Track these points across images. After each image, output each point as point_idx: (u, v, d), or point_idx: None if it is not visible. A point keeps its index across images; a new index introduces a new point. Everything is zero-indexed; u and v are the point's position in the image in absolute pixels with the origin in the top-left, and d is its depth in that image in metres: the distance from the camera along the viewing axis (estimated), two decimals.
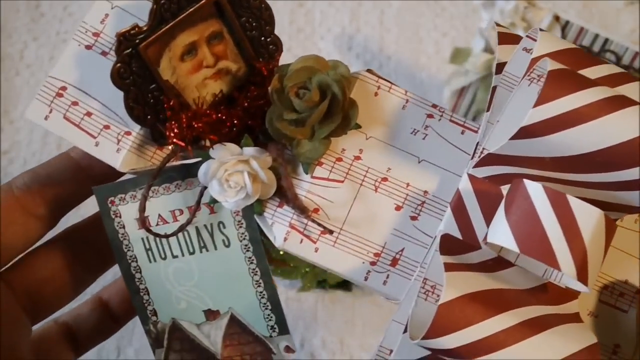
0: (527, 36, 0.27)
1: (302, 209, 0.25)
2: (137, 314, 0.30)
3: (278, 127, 0.26)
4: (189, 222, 0.27)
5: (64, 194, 0.30)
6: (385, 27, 0.60)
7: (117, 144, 0.27)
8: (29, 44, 0.56)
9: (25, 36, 0.56)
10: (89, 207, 0.30)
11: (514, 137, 0.23)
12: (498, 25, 0.29)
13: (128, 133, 0.27)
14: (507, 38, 0.29)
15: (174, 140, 0.25)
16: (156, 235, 0.27)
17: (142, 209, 0.27)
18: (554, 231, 0.22)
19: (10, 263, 0.31)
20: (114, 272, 0.33)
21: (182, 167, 0.28)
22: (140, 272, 0.29)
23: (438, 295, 0.26)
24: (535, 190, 0.23)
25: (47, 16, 0.57)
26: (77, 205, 0.31)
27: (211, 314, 0.29)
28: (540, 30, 0.26)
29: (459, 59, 0.55)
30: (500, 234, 0.23)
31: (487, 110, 0.27)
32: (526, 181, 0.23)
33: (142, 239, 0.29)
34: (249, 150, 0.26)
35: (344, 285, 0.53)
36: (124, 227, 0.29)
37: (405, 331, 0.25)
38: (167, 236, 0.27)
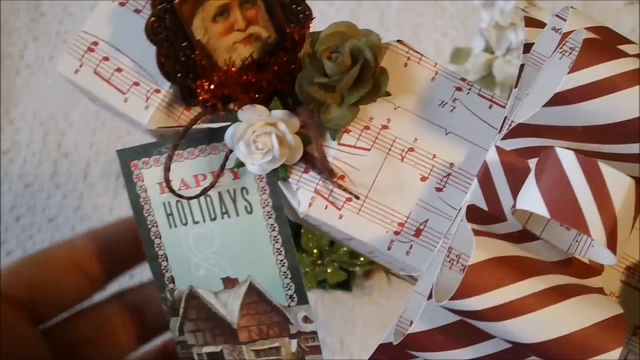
0: (555, 15, 0.28)
1: (330, 172, 0.26)
2: (155, 281, 0.30)
3: (308, 91, 0.26)
4: (212, 185, 0.28)
5: (119, 259, 0.32)
6: (385, 27, 0.61)
7: (145, 101, 0.27)
8: (29, 44, 0.56)
9: (25, 36, 0.57)
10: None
11: (547, 105, 0.23)
12: (523, 10, 0.29)
13: (157, 91, 0.27)
14: (532, 22, 0.29)
15: (205, 97, 0.25)
16: (179, 196, 0.27)
17: (167, 168, 0.27)
18: (585, 197, 0.23)
19: (56, 320, 0.32)
20: None
21: (208, 131, 0.28)
22: (160, 238, 0.29)
23: (462, 265, 0.26)
24: (567, 157, 0.23)
25: (47, 16, 0.57)
26: (130, 270, 0.32)
27: (229, 282, 0.29)
28: (572, 7, 0.26)
29: (459, 59, 0.56)
30: (530, 200, 0.23)
31: (515, 87, 0.28)
32: (558, 148, 0.23)
33: (164, 203, 0.29)
34: (278, 113, 0.26)
35: (344, 285, 0.53)
36: (145, 191, 0.29)
37: (430, 297, 0.25)
38: (189, 198, 0.27)
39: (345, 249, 0.52)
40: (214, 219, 0.29)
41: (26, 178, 0.55)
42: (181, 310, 0.30)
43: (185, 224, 0.29)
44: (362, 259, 0.52)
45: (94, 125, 0.55)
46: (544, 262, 0.25)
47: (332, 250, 0.51)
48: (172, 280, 0.29)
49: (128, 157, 0.29)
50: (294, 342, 0.29)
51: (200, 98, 0.26)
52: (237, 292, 0.29)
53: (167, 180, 0.27)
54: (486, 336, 0.25)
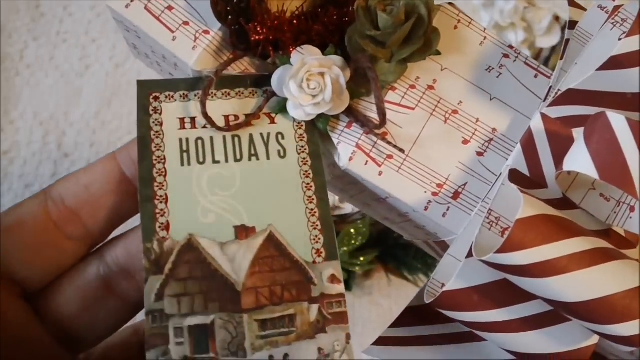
0: None
1: (383, 115, 0.26)
2: (141, 226, 0.25)
3: (359, 43, 0.27)
4: (249, 121, 0.27)
5: (104, 211, 0.27)
6: None
7: (194, 42, 0.27)
8: (29, 44, 0.57)
9: (25, 36, 0.57)
10: None
11: (601, 68, 0.24)
12: None
13: (206, 32, 0.27)
14: (574, 3, 0.30)
15: (257, 38, 0.26)
16: (215, 126, 0.26)
17: (206, 93, 0.26)
18: (635, 161, 0.23)
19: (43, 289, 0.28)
20: None
21: (249, 76, 0.28)
22: (165, 176, 0.26)
23: (502, 227, 0.26)
24: (618, 121, 0.24)
25: (48, 16, 0.58)
26: (122, 223, 0.28)
27: (243, 231, 0.26)
28: None
29: None
30: (579, 161, 0.24)
31: (561, 59, 0.28)
32: (608, 112, 0.24)
33: (181, 139, 0.27)
34: (334, 57, 0.27)
35: (344, 284, 0.53)
36: (160, 125, 0.27)
37: (468, 256, 0.25)
38: (221, 129, 0.27)
39: (345, 248, 0.52)
40: (239, 160, 0.27)
41: (26, 178, 0.55)
42: (168, 267, 0.25)
43: (203, 163, 0.26)
44: (362, 258, 0.52)
45: (94, 125, 0.55)
46: (585, 228, 0.25)
47: None
48: (167, 226, 0.25)
49: (150, 88, 0.27)
50: (315, 307, 0.25)
51: (253, 39, 0.26)
52: (251, 244, 0.25)
53: (204, 104, 0.26)
54: (523, 298, 0.25)
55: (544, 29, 0.52)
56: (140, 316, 0.28)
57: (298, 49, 0.27)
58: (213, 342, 0.25)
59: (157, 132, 0.27)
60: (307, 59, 0.26)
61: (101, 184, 0.27)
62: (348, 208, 0.51)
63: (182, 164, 0.26)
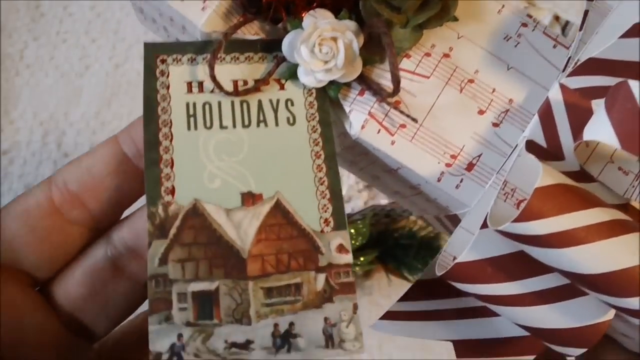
0: None
1: (398, 83, 0.25)
2: (146, 190, 0.25)
3: (374, 7, 0.26)
4: (258, 86, 0.26)
5: (107, 193, 0.27)
6: None
7: (203, 2, 0.26)
8: (29, 44, 0.57)
9: (25, 36, 0.57)
10: None
11: (624, 36, 0.23)
12: None
13: None
14: None
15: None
16: (222, 90, 0.26)
17: (215, 55, 0.26)
18: None
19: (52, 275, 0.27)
20: None
21: (259, 40, 0.27)
22: (171, 140, 0.26)
23: (517, 199, 0.26)
24: None
25: (47, 16, 0.58)
26: (126, 205, 0.28)
27: (250, 198, 0.25)
28: None
29: None
30: (600, 130, 0.23)
31: (580, 30, 0.28)
32: (631, 81, 0.23)
33: (188, 104, 0.26)
34: (347, 22, 0.26)
35: None
36: (167, 88, 0.26)
37: (482, 227, 0.25)
38: (229, 93, 0.26)
39: None
40: (247, 126, 0.26)
41: (26, 178, 0.55)
42: (172, 232, 0.24)
43: (210, 128, 0.26)
44: (362, 258, 0.52)
45: (94, 125, 0.55)
46: (603, 200, 0.25)
47: None
48: (172, 191, 0.25)
49: (157, 50, 0.27)
50: (322, 276, 0.25)
51: (264, 1, 0.25)
52: (257, 211, 0.25)
53: (212, 67, 0.25)
54: (538, 271, 0.25)
55: None
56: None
57: (311, 12, 0.26)
58: (217, 309, 0.24)
59: (163, 95, 0.26)
60: (319, 23, 0.25)
61: (102, 166, 0.27)
62: (348, 208, 0.51)
63: (189, 129, 0.26)
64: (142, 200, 0.27)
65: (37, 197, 0.27)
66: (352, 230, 0.51)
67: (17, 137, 0.55)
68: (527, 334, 0.27)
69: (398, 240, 0.52)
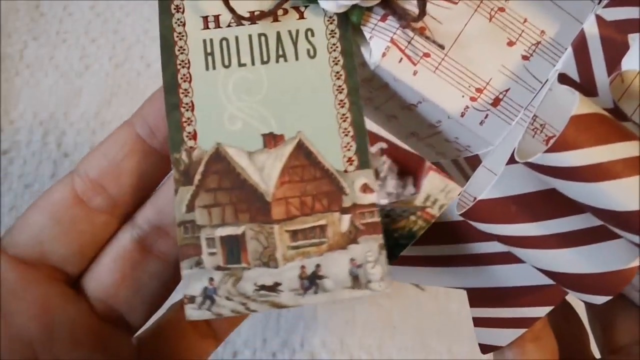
0: None
1: (424, 4, 0.23)
2: (169, 136, 0.25)
3: None
4: (272, 11, 0.25)
5: (126, 176, 0.26)
6: None
7: None
8: (28, 43, 0.57)
9: (25, 36, 0.57)
10: None
11: None
12: None
13: None
14: None
15: None
16: (236, 15, 0.25)
17: None
18: None
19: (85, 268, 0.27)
20: None
21: None
22: (190, 82, 0.25)
23: (547, 135, 0.24)
24: None
25: (47, 16, 0.57)
26: (148, 188, 0.27)
27: (272, 139, 0.25)
28: None
29: None
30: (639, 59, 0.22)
31: None
32: None
33: (205, 40, 0.26)
34: None
35: None
36: (183, 25, 0.26)
37: (509, 163, 0.23)
38: (243, 18, 0.25)
39: None
40: (265, 62, 0.25)
41: (26, 178, 0.54)
42: (197, 177, 0.25)
43: (228, 66, 0.25)
44: None
45: (94, 125, 0.55)
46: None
47: None
48: (194, 135, 0.25)
49: None
50: (346, 218, 0.25)
51: None
52: (279, 152, 0.25)
53: None
54: (566, 211, 0.23)
55: None
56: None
57: None
58: (245, 253, 0.24)
59: (180, 33, 0.25)
60: None
61: (118, 149, 0.27)
62: None
63: (207, 68, 0.25)
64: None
65: (61, 190, 0.27)
66: None
67: (17, 137, 0.55)
68: (545, 283, 0.26)
69: (398, 241, 0.50)
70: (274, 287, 0.24)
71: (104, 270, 0.27)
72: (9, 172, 0.54)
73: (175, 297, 0.28)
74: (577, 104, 0.21)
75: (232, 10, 0.25)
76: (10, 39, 0.57)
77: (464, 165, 0.29)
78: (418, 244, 0.27)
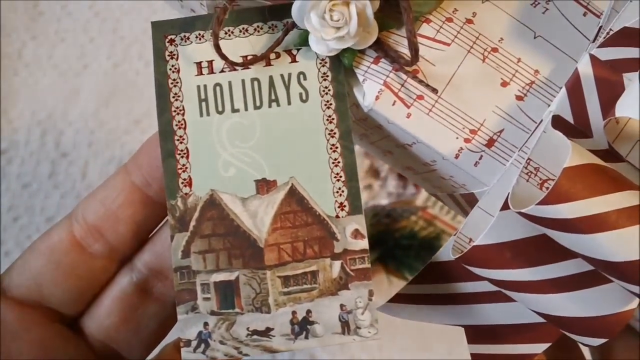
0: None
1: (416, 51, 0.23)
2: (165, 183, 0.26)
3: None
4: (264, 56, 0.25)
5: (123, 223, 0.27)
6: None
7: None
8: (27, 43, 0.57)
9: (23, 35, 0.57)
10: None
11: None
12: None
13: None
14: None
15: None
16: (226, 60, 0.25)
17: (219, 21, 0.24)
18: None
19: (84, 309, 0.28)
20: None
21: (268, 7, 0.26)
22: (184, 129, 0.26)
23: (541, 179, 0.24)
24: None
25: (46, 15, 0.57)
26: (145, 233, 0.28)
27: (264, 185, 0.25)
28: None
29: None
30: (633, 106, 0.22)
31: None
32: None
33: (199, 87, 0.26)
34: None
35: None
36: (177, 72, 0.26)
37: (503, 209, 0.23)
38: (236, 65, 0.25)
39: None
40: (258, 107, 0.26)
41: (24, 178, 0.55)
42: (192, 224, 0.25)
43: (222, 112, 0.26)
44: None
45: (92, 125, 0.55)
46: (633, 182, 0.23)
47: None
48: (189, 182, 0.25)
49: (165, 30, 0.26)
50: (337, 264, 0.25)
51: None
52: (272, 198, 0.25)
53: (217, 36, 0.24)
54: (559, 257, 0.24)
55: None
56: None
57: None
58: (238, 298, 0.25)
59: (174, 80, 0.26)
60: None
61: (114, 197, 0.27)
62: None
63: (201, 115, 0.26)
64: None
65: (59, 234, 0.27)
66: None
67: (15, 136, 0.56)
68: (541, 320, 0.26)
69: (398, 241, 0.51)
70: (266, 332, 0.25)
71: (103, 312, 0.28)
72: (7, 171, 0.54)
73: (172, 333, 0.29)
74: (570, 155, 0.21)
75: (223, 57, 0.25)
76: (9, 38, 0.57)
77: (460, 200, 0.29)
78: (415, 282, 0.27)
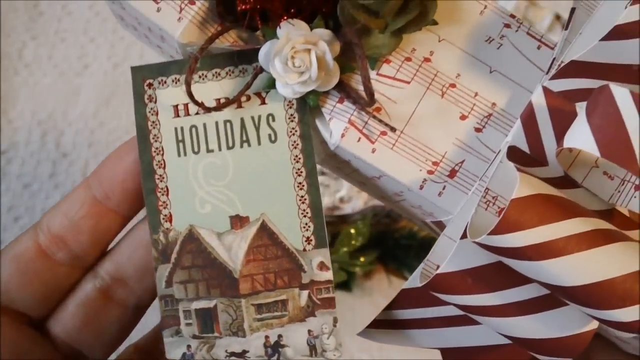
0: None
1: (371, 95, 0.25)
2: (147, 219, 0.28)
3: (352, 13, 0.26)
4: (234, 100, 0.27)
5: (85, 234, 0.29)
6: None
7: (179, 13, 0.26)
8: (27, 43, 0.57)
9: (23, 35, 0.57)
10: None
11: (605, 39, 0.23)
12: None
13: (192, 2, 0.26)
14: None
15: (244, 7, 0.25)
16: (198, 104, 0.26)
17: (192, 70, 0.26)
18: (638, 136, 0.22)
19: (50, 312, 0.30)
20: None
21: (238, 52, 0.27)
22: (164, 168, 0.27)
23: (499, 207, 0.25)
24: (622, 95, 0.23)
25: (46, 15, 0.58)
26: (107, 242, 0.30)
27: (238, 221, 0.27)
28: None
29: None
30: (580, 137, 0.23)
31: (565, 29, 0.27)
32: (612, 85, 0.23)
33: (176, 128, 0.28)
34: (320, 32, 0.26)
35: (344, 285, 0.53)
36: (156, 115, 0.28)
37: (462, 237, 0.24)
38: (211, 109, 0.27)
39: (345, 249, 0.52)
40: (231, 148, 0.27)
41: (24, 178, 0.55)
42: (174, 256, 0.27)
43: (197, 153, 0.27)
44: (362, 259, 0.52)
45: (93, 125, 0.56)
46: (586, 208, 0.24)
47: (332, 251, 0.51)
48: (170, 218, 0.27)
49: (143, 74, 0.28)
50: (305, 293, 0.27)
51: (239, 9, 0.25)
52: (245, 234, 0.27)
53: (189, 84, 0.26)
54: (519, 281, 0.25)
55: (545, 28, 0.51)
56: (138, 334, 0.32)
57: (286, 22, 0.26)
58: (217, 324, 0.27)
59: (153, 122, 0.28)
60: (291, 35, 0.25)
61: (77, 209, 0.29)
62: (348, 208, 0.51)
63: (179, 155, 0.28)
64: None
65: (26, 243, 0.29)
66: (352, 230, 0.51)
67: (16, 137, 0.55)
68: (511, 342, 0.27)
69: (398, 241, 0.52)
70: (242, 354, 0.27)
71: (68, 316, 0.30)
72: (8, 172, 0.54)
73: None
74: (517, 186, 0.22)
75: (196, 102, 0.26)
76: (9, 38, 0.56)
77: (432, 227, 0.31)
78: (389, 308, 0.28)
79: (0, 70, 0.56)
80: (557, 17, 0.52)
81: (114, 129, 0.55)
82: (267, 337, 0.27)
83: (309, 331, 0.27)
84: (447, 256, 0.26)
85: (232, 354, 0.27)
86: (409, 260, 0.51)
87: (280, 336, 0.27)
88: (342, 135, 0.27)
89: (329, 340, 0.27)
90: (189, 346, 0.27)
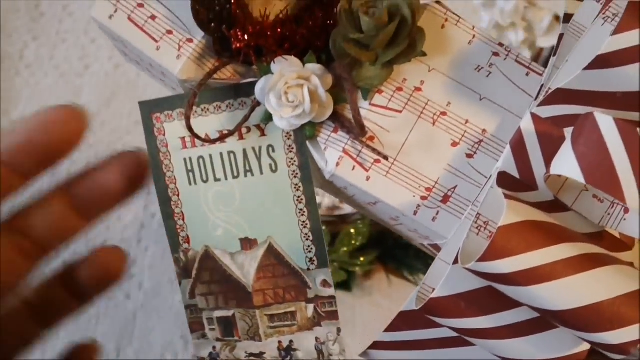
0: None
1: (362, 128, 0.26)
2: (168, 241, 0.30)
3: (343, 47, 0.27)
4: (233, 132, 0.28)
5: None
6: None
7: (177, 50, 0.27)
8: (28, 43, 0.58)
9: (25, 36, 0.58)
10: None
11: (588, 68, 0.24)
12: None
13: (190, 40, 0.27)
14: None
15: (239, 45, 0.26)
16: (199, 139, 0.28)
17: (190, 105, 0.27)
18: (622, 164, 0.23)
19: None
20: None
21: (237, 85, 0.28)
22: (178, 195, 0.29)
23: (490, 232, 0.26)
24: (605, 122, 0.23)
25: (47, 16, 0.58)
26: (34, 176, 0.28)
27: (247, 243, 0.30)
28: None
29: None
30: (565, 164, 0.24)
31: (554, 55, 0.28)
32: (596, 113, 0.23)
33: (185, 159, 0.29)
34: (312, 67, 0.27)
35: (344, 285, 0.53)
36: (166, 146, 0.29)
37: (454, 262, 0.25)
38: (211, 141, 0.28)
39: (345, 248, 0.52)
40: (236, 177, 0.29)
41: None
42: (194, 272, 0.30)
43: (206, 182, 0.29)
44: (362, 259, 0.53)
45: (94, 125, 0.56)
46: (575, 232, 0.25)
47: (332, 251, 0.52)
48: (187, 240, 0.30)
49: (151, 109, 0.29)
50: (311, 307, 0.30)
51: (234, 47, 0.26)
52: (254, 254, 0.30)
53: (188, 118, 0.27)
54: (509, 305, 0.25)
55: (544, 29, 0.51)
56: None
57: (277, 58, 0.27)
58: (236, 330, 0.30)
59: (164, 153, 0.30)
60: (284, 71, 0.26)
61: None
62: (348, 208, 0.52)
63: (190, 184, 0.30)
64: None
65: None
66: (352, 230, 0.52)
67: None
68: None
69: (398, 241, 0.52)
70: (260, 355, 0.31)
71: None
72: None
73: None
74: (504, 214, 0.23)
75: (196, 135, 0.28)
76: (10, 38, 0.57)
77: (430, 249, 0.31)
78: (388, 330, 0.29)
79: (2, 71, 0.57)
80: (557, 18, 0.52)
81: (115, 128, 0.55)
82: (280, 342, 0.30)
83: (317, 338, 0.30)
84: (443, 276, 0.26)
85: (252, 354, 0.30)
86: (409, 260, 0.52)
87: (291, 341, 0.30)
88: (337, 164, 0.27)
89: (334, 346, 0.30)
90: (214, 347, 0.31)
